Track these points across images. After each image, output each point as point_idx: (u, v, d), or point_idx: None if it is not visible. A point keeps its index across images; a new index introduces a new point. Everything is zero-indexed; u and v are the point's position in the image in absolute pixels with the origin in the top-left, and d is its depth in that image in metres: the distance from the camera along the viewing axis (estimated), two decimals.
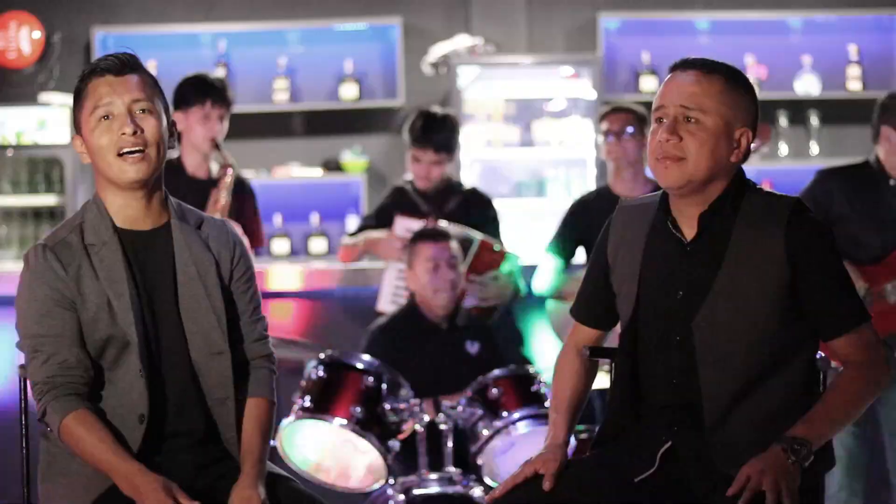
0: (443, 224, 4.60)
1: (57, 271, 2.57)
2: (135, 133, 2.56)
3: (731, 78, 2.53)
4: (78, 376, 2.57)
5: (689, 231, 2.56)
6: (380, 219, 4.85)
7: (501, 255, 4.67)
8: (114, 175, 2.60)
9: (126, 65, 2.60)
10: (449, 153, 4.80)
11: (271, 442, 4.09)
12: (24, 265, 2.62)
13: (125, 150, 2.57)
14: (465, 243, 4.52)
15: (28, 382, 2.65)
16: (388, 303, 4.73)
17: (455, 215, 4.74)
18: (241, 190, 4.67)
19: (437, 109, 4.93)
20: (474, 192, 4.95)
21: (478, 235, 4.61)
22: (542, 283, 4.74)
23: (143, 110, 2.59)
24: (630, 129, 4.59)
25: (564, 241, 4.72)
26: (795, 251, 2.47)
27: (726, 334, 2.47)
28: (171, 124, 2.66)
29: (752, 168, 6.67)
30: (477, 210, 4.83)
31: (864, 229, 4.11)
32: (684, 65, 2.55)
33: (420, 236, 4.40)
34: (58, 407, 2.55)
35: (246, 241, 4.44)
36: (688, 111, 2.50)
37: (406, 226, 4.70)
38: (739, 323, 2.48)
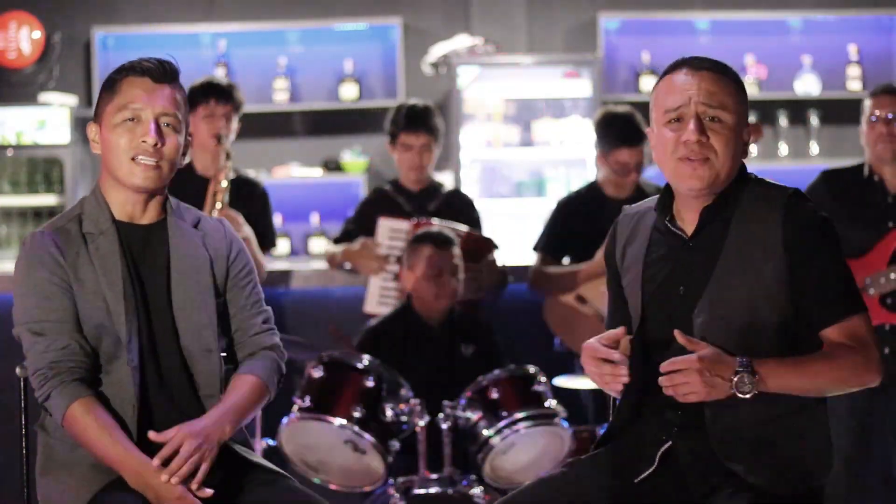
0: (434, 221, 4.60)
1: (55, 256, 2.60)
2: (155, 145, 2.61)
3: (736, 77, 2.55)
4: (81, 362, 2.58)
5: (691, 227, 2.56)
6: (361, 222, 4.84)
7: (488, 244, 4.68)
8: (122, 176, 2.63)
9: (166, 74, 2.64)
10: (437, 138, 4.83)
11: (271, 441, 4.12)
12: (21, 251, 2.64)
13: (141, 157, 2.61)
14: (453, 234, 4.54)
15: (28, 380, 2.65)
16: (375, 304, 4.72)
17: (438, 215, 4.75)
18: (247, 190, 4.68)
19: (417, 101, 4.97)
20: (457, 194, 4.99)
21: (463, 227, 4.63)
22: (535, 280, 4.75)
23: (169, 125, 2.64)
24: None
25: (555, 238, 4.74)
26: (793, 240, 2.47)
27: (726, 326, 2.46)
28: (188, 138, 2.71)
29: (751, 168, 6.66)
30: (459, 211, 4.84)
31: (849, 226, 4.16)
32: (694, 64, 2.53)
33: (423, 239, 4.38)
34: (64, 393, 2.55)
35: (254, 241, 4.48)
36: (710, 110, 2.49)
37: (390, 226, 4.70)
38: (739, 314, 2.47)
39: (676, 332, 2.40)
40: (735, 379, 2.36)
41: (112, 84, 2.65)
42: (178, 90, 2.67)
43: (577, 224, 4.62)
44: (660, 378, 2.40)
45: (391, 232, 4.69)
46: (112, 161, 2.64)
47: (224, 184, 4.47)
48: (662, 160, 2.55)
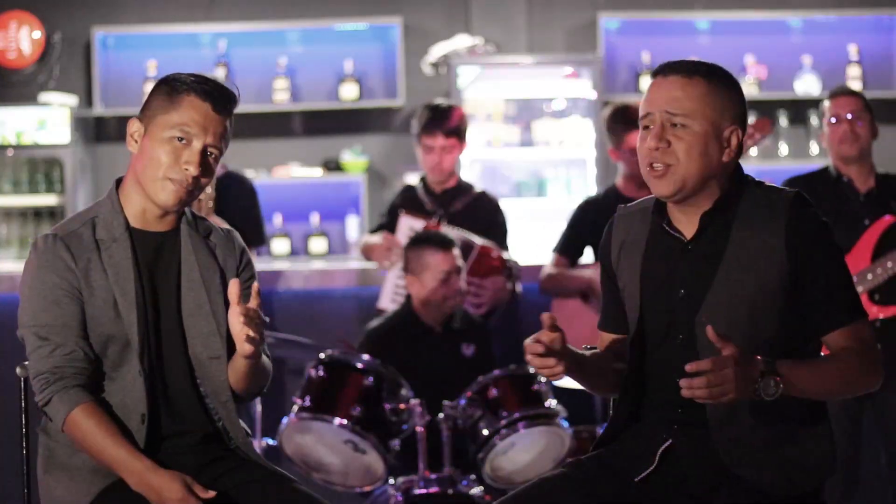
0: (443, 228, 4.59)
1: (67, 261, 2.59)
2: (195, 176, 2.61)
3: (712, 78, 2.52)
4: (84, 368, 2.58)
5: (689, 230, 2.56)
6: (391, 217, 4.86)
7: (500, 262, 4.65)
8: (150, 189, 2.63)
9: (227, 106, 2.63)
10: (459, 139, 4.81)
11: (271, 441, 4.12)
12: (31, 252, 2.62)
13: (176, 179, 2.60)
14: (465, 247, 4.51)
15: (29, 379, 2.65)
16: (388, 301, 4.73)
17: (461, 217, 4.74)
18: (236, 186, 4.67)
19: (442, 101, 4.96)
20: (483, 196, 4.93)
21: (477, 240, 4.60)
22: (547, 282, 4.74)
23: (213, 155, 2.63)
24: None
25: (572, 241, 4.74)
26: (796, 245, 2.47)
27: (729, 329, 2.43)
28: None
29: (752, 167, 6.66)
30: (484, 214, 4.81)
31: None
32: (665, 70, 2.53)
33: (425, 242, 4.36)
34: (65, 398, 2.55)
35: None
36: (673, 116, 2.48)
37: (410, 224, 4.70)
38: (742, 318, 2.47)
39: (708, 328, 2.33)
40: (761, 382, 2.33)
41: (173, 93, 2.62)
42: (231, 121, 2.66)
43: (595, 226, 4.62)
44: (688, 381, 2.30)
45: (409, 230, 4.69)
46: (146, 170, 2.62)
47: (209, 190, 4.44)
48: (641, 168, 2.56)
